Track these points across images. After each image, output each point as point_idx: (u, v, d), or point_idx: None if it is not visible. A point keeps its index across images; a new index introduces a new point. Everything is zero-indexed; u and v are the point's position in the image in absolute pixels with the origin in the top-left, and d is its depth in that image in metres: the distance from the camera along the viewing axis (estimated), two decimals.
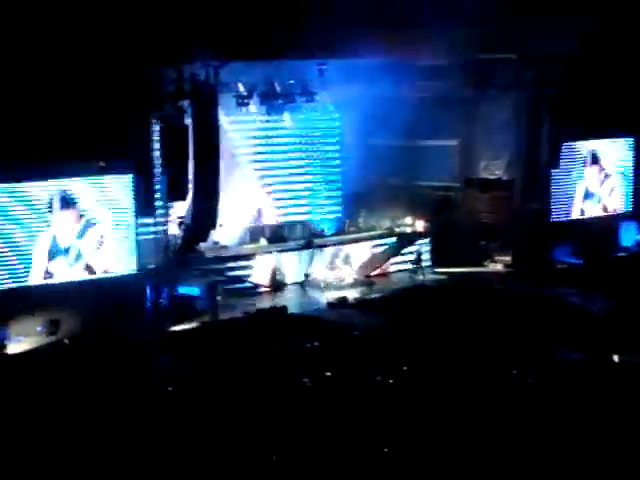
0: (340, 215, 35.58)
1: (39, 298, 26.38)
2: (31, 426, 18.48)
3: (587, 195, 35.95)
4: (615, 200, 36.54)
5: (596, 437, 17.11)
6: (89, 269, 27.87)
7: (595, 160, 35.87)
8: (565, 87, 32.99)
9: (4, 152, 25.32)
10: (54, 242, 27.27)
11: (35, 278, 26.99)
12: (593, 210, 36.14)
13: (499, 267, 34.23)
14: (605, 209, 36.45)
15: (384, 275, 33.81)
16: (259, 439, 17.34)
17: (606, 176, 36.24)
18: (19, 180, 26.57)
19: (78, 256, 27.70)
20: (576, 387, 19.90)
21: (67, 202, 27.32)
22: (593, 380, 20.42)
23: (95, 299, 26.82)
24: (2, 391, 20.71)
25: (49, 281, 27.19)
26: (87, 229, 27.74)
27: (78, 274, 27.68)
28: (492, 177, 34.96)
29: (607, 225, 36.02)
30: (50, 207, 27.08)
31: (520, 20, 31.08)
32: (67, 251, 27.49)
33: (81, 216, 27.62)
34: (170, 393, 20.84)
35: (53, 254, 27.25)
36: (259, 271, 31.76)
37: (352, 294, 31.21)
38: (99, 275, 27.96)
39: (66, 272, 27.47)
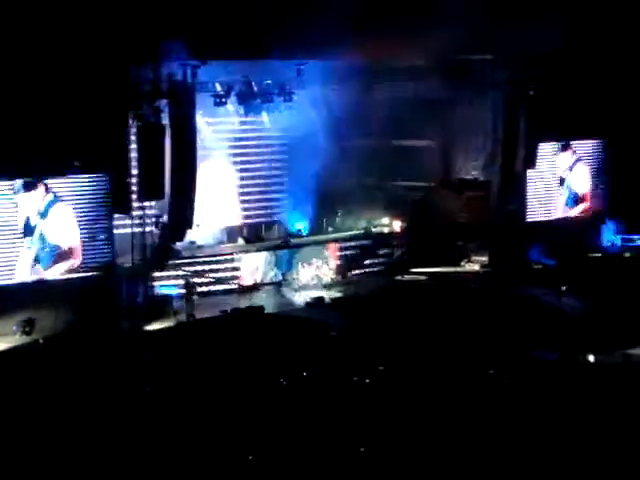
0: (317, 215, 35.55)
1: (14, 297, 26.28)
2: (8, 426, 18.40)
3: (560, 183, 36.12)
4: (584, 186, 36.60)
5: (571, 437, 17.19)
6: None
7: (565, 147, 36.04)
8: (541, 88, 33.12)
9: None
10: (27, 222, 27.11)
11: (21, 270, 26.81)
12: (565, 206, 36.26)
13: (476, 267, 34.33)
14: (577, 199, 36.53)
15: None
16: (236, 438, 17.32)
17: (577, 160, 36.35)
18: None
19: (42, 237, 27.44)
20: (551, 387, 19.99)
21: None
22: (568, 380, 20.51)
23: (70, 298, 26.74)
24: None
25: (25, 279, 27.06)
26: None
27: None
28: (469, 177, 35.09)
29: (584, 225, 36.20)
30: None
31: (496, 21, 31.11)
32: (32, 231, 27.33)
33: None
34: (147, 392, 20.81)
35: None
36: (236, 270, 31.73)
37: (329, 294, 31.22)
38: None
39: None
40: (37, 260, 27.38)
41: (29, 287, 27.02)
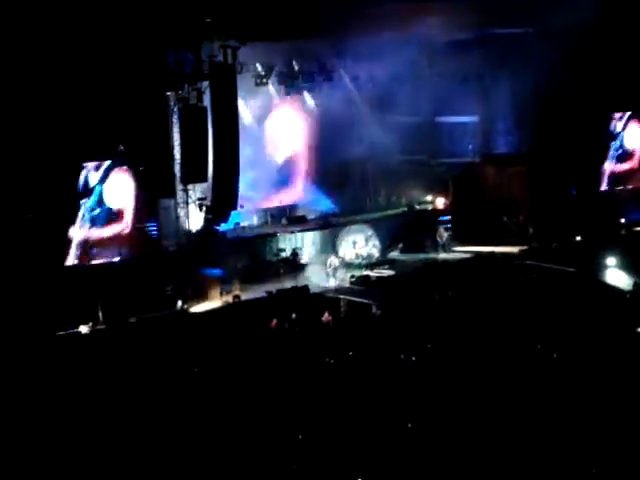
0: (360, 194, 35.50)
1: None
2: None
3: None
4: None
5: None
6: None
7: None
8: (584, 62, 32.76)
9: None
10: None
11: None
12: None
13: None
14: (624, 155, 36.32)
15: None
16: (284, 417, 17.40)
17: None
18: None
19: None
20: (600, 362, 19.86)
21: None
22: (618, 354, 20.38)
23: (120, 282, 26.90)
24: None
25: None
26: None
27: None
28: (512, 153, 34.85)
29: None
30: None
31: None
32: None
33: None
34: (196, 373, 20.96)
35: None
36: (280, 251, 31.82)
37: (374, 272, 31.20)
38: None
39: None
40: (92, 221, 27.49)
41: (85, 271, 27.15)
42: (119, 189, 27.56)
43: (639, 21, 32.37)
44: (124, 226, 27.84)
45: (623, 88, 33.44)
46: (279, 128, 33.75)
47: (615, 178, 36.18)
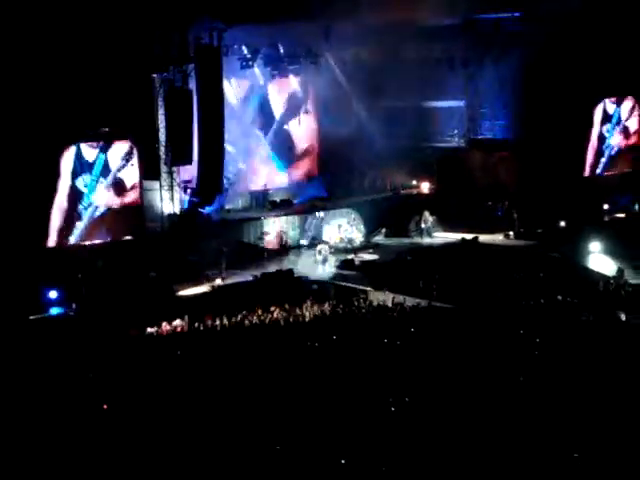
0: (346, 177, 35.50)
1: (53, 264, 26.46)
2: None
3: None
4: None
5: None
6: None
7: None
8: (571, 45, 32.74)
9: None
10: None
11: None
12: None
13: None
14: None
15: None
16: (267, 399, 17.38)
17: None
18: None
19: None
20: (583, 347, 19.91)
21: None
22: (602, 339, 20.42)
23: (104, 264, 26.87)
24: None
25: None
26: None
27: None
28: (498, 138, 34.85)
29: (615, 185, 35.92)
30: None
31: None
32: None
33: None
34: (180, 356, 20.89)
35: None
36: (266, 235, 31.81)
37: (358, 256, 31.22)
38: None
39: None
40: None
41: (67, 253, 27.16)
42: (123, 156, 27.90)
43: (625, 4, 32.27)
44: (135, 196, 28.32)
45: (611, 72, 33.39)
46: (268, 107, 33.74)
47: (604, 163, 36.20)
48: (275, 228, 32.12)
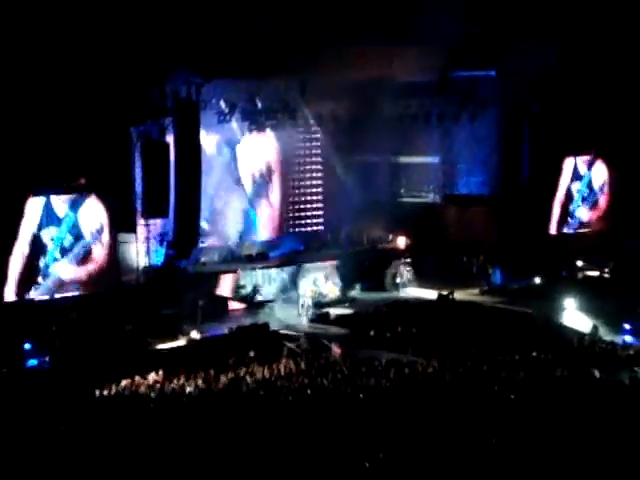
0: (321, 232, 35.63)
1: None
2: None
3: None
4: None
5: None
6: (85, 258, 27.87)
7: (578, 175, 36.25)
8: (546, 103, 33.16)
9: None
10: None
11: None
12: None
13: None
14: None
15: None
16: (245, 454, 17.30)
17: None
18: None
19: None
20: (559, 402, 19.94)
21: None
22: (575, 395, 20.46)
23: (78, 317, 26.75)
24: None
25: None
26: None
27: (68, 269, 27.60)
28: (473, 193, 35.09)
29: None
30: None
31: (498, 36, 31.18)
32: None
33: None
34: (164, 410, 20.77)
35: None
36: (240, 288, 31.80)
37: (334, 310, 31.23)
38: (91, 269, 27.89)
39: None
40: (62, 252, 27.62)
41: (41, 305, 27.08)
42: (94, 218, 27.76)
43: (598, 63, 32.73)
44: (99, 263, 28.06)
45: (584, 129, 33.81)
46: (245, 164, 33.87)
47: (572, 223, 36.57)
48: (251, 281, 32.11)
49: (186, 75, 28.36)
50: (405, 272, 34.27)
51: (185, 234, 29.65)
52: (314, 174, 35.32)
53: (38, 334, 26.05)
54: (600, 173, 36.79)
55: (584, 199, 36.64)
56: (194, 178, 29.38)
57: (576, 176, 36.27)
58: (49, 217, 27.22)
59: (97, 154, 27.12)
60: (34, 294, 27.12)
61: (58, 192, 27.42)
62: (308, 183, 35.51)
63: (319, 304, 31.86)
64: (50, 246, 27.28)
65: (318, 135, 34.80)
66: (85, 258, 27.89)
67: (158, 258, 29.63)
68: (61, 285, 27.53)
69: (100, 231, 28.00)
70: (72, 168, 27.28)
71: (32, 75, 25.85)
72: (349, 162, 34.71)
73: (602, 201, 37.08)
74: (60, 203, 27.38)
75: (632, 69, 32.89)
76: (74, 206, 27.60)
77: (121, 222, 28.64)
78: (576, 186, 36.36)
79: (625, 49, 32.56)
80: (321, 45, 29.40)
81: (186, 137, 29.11)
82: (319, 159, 35.33)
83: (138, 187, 28.89)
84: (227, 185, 33.27)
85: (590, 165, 36.47)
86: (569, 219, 36.44)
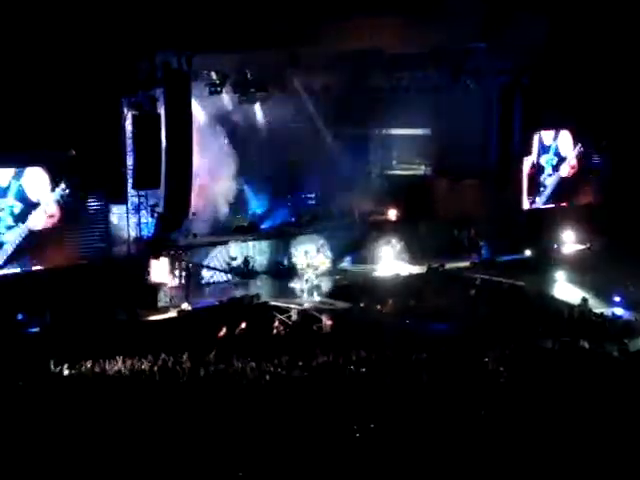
0: (313, 203, 35.62)
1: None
2: None
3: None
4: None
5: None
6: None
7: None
8: (538, 76, 33.14)
9: None
10: None
11: None
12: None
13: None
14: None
15: None
16: (229, 425, 17.33)
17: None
18: None
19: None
20: (549, 374, 20.03)
21: None
22: (565, 367, 20.56)
23: (67, 287, 26.74)
24: None
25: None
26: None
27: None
28: (464, 165, 35.08)
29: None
30: None
31: (491, 9, 31.10)
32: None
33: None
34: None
35: None
36: (232, 259, 31.79)
37: (326, 282, 31.26)
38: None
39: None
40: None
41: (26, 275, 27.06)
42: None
43: (590, 36, 32.72)
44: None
45: (575, 103, 33.85)
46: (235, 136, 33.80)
47: (547, 195, 36.66)
48: (242, 253, 32.11)
49: (176, 46, 28.22)
50: (396, 244, 34.25)
51: (176, 205, 29.62)
52: (305, 146, 35.10)
53: (29, 306, 26.11)
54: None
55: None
56: (185, 149, 29.33)
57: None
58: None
59: (87, 125, 27.06)
60: None
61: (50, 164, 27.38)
62: (299, 155, 35.35)
63: (311, 275, 31.84)
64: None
65: (309, 107, 34.64)
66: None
67: (149, 229, 29.63)
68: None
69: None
70: (65, 140, 27.19)
71: (20, 47, 25.74)
72: (340, 134, 34.63)
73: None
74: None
75: (624, 41, 32.91)
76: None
77: (112, 193, 28.58)
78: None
79: (617, 21, 32.56)
80: (312, 17, 29.33)
81: (177, 108, 29.03)
82: (310, 132, 35.13)
83: (129, 158, 28.83)
84: (218, 156, 33.13)
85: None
86: (541, 190, 36.42)
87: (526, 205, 36.11)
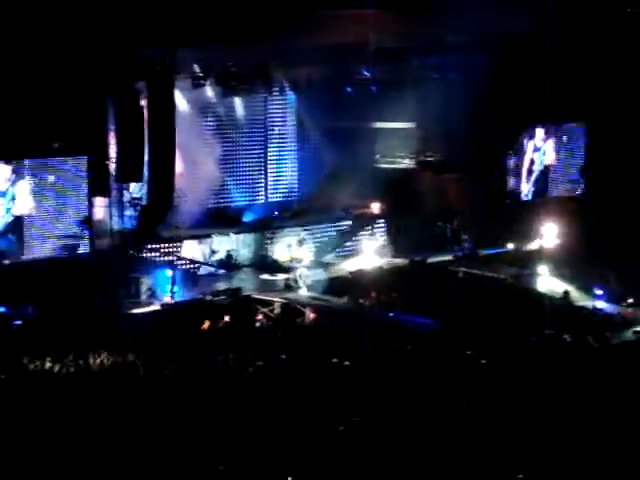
0: (296, 197, 35.61)
1: None
2: None
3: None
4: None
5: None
6: None
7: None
8: (520, 70, 33.22)
9: None
10: None
11: None
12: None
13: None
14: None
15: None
16: (214, 418, 17.36)
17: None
18: None
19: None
20: (532, 367, 20.14)
21: None
22: (548, 360, 20.67)
23: (50, 280, 26.70)
24: None
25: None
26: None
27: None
28: (447, 159, 35.15)
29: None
30: None
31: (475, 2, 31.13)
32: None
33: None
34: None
35: None
36: (214, 253, 31.77)
37: (308, 275, 31.26)
38: None
39: None
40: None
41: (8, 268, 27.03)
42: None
43: (574, 27, 32.81)
44: None
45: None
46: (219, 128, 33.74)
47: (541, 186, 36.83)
48: (224, 246, 32.06)
49: (159, 41, 28.16)
50: (379, 237, 34.30)
51: (159, 199, 29.59)
52: (288, 140, 35.14)
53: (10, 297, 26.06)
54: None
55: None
56: (168, 142, 29.28)
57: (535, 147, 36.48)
58: None
59: (72, 120, 27.05)
60: None
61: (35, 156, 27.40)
62: (282, 149, 35.37)
63: (294, 269, 31.82)
64: None
65: (292, 100, 34.63)
66: None
67: (131, 222, 29.57)
68: None
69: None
70: (48, 134, 27.12)
71: (4, 42, 25.68)
72: (324, 128, 34.63)
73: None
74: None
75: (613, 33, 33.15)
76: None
77: (95, 186, 28.54)
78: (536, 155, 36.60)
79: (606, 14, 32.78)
80: (296, 9, 29.33)
81: (160, 102, 28.99)
82: (293, 125, 35.13)
83: (112, 151, 28.77)
84: (201, 149, 33.05)
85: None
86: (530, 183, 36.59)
87: (509, 198, 36.17)
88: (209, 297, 28.03)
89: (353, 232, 34.56)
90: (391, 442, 15.96)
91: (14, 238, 27.61)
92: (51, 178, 28.08)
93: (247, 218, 34.06)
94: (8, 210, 27.47)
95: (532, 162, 36.40)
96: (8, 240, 27.55)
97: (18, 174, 27.58)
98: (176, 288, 28.70)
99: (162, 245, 30.48)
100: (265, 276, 31.22)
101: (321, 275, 31.55)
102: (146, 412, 17.43)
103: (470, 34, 32.73)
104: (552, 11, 30.89)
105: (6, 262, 27.22)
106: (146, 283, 28.68)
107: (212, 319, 26.29)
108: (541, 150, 36.52)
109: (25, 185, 27.61)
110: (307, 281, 30.41)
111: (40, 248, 28.09)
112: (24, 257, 27.71)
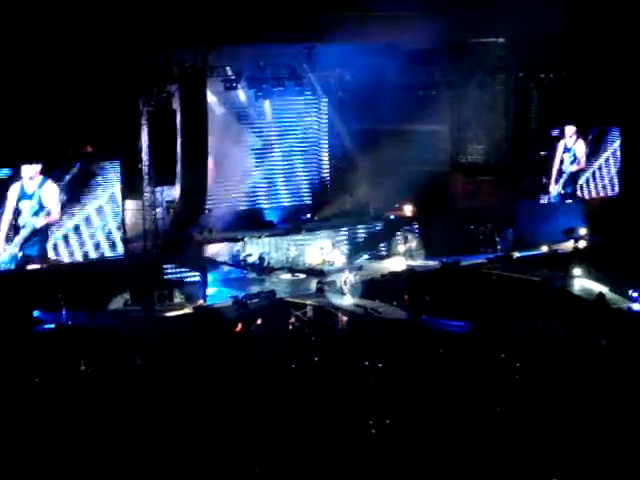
0: (329, 200, 35.57)
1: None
2: None
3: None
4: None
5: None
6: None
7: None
8: (555, 71, 33.05)
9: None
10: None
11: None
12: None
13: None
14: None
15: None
16: (247, 421, 17.35)
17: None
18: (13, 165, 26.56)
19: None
20: (562, 368, 19.99)
21: None
22: (579, 361, 20.52)
23: (83, 283, 26.81)
24: None
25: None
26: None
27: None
28: (480, 162, 35.01)
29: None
30: None
31: (507, 2, 30.97)
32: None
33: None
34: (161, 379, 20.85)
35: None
36: (248, 256, 31.77)
37: (341, 278, 31.15)
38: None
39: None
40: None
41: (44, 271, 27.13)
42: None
43: (609, 32, 32.58)
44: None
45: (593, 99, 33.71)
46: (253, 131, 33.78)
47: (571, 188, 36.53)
48: (257, 249, 32.07)
49: (191, 42, 28.23)
50: (412, 240, 34.19)
51: (192, 201, 29.67)
52: (320, 142, 35.12)
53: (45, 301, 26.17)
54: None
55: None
56: (201, 145, 29.38)
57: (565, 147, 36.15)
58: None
59: (104, 123, 27.16)
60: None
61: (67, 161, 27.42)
62: (314, 151, 35.35)
63: (327, 272, 31.71)
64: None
65: (324, 103, 34.61)
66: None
67: (164, 225, 29.63)
68: None
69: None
70: (81, 138, 27.29)
71: (36, 47, 25.83)
72: (356, 130, 34.59)
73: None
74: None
75: None
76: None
77: (128, 189, 28.62)
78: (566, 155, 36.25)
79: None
80: (328, 11, 29.31)
81: (192, 104, 29.07)
82: (325, 127, 35.11)
83: (145, 155, 28.85)
84: (233, 152, 33.09)
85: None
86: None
87: (543, 200, 35.91)
88: (242, 300, 27.95)
89: (385, 235, 34.46)
90: (424, 445, 15.89)
91: (42, 242, 27.56)
92: (82, 181, 28.06)
93: (279, 221, 34.07)
94: (36, 213, 27.48)
95: (562, 162, 36.06)
96: (36, 244, 27.50)
97: (47, 177, 27.48)
98: (209, 291, 28.85)
99: (194, 248, 30.51)
100: (297, 278, 31.16)
101: (357, 279, 31.47)
102: (178, 414, 17.46)
103: (502, 34, 32.62)
104: (587, 10, 30.75)
105: (37, 266, 27.20)
106: (179, 286, 28.75)
107: (245, 322, 26.25)
108: (571, 151, 36.19)
109: (54, 188, 27.62)
110: (353, 287, 30.11)
111: (69, 252, 27.98)
112: (53, 261, 27.63)
